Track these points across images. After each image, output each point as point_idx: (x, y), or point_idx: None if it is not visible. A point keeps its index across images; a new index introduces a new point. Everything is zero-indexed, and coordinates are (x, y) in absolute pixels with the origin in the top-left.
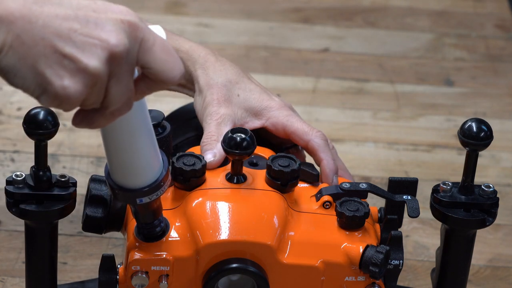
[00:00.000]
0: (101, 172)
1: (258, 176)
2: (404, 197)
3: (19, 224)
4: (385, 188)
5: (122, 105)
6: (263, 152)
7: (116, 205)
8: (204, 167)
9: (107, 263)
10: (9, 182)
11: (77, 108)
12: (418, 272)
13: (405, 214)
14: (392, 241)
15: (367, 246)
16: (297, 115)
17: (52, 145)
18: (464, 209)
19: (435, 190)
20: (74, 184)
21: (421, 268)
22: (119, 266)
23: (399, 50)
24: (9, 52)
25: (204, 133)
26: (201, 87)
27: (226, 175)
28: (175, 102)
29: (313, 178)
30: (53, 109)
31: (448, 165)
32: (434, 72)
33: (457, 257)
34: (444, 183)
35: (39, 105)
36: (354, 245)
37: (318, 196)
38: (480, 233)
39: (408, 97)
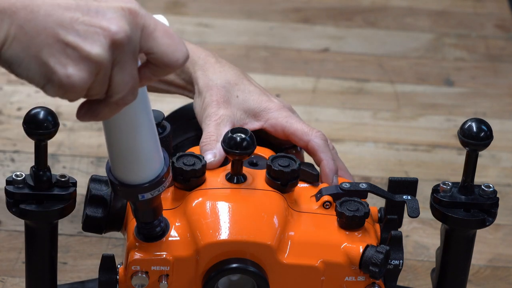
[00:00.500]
0: (101, 172)
1: (258, 176)
2: (404, 197)
3: (19, 224)
4: (385, 188)
5: (126, 94)
6: (263, 152)
7: (116, 205)
8: (204, 167)
9: (107, 263)
10: (9, 182)
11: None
12: (418, 272)
13: (405, 214)
14: (392, 241)
15: (367, 246)
16: (297, 116)
17: (52, 145)
18: (464, 209)
19: (435, 190)
20: (74, 184)
21: (421, 268)
22: (119, 266)
23: (399, 50)
24: (12, 43)
25: (203, 134)
26: (200, 88)
27: (226, 175)
28: (176, 102)
29: (313, 178)
30: (53, 109)
31: (448, 165)
32: (434, 72)
33: (457, 257)
34: (444, 183)
35: (39, 105)
36: (354, 245)
37: (318, 196)
38: (480, 233)
39: (408, 97)
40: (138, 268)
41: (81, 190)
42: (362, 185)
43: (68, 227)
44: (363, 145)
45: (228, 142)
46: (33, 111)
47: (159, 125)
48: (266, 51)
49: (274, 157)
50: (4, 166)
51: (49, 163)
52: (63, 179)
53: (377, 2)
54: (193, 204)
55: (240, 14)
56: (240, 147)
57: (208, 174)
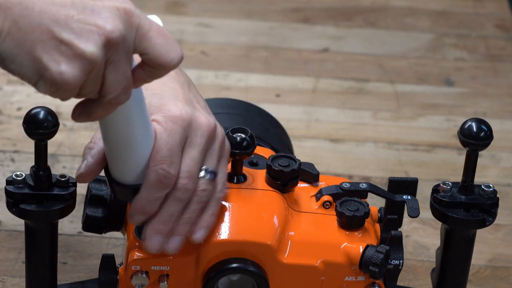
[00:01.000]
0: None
1: (258, 176)
2: (404, 197)
3: (19, 224)
4: (385, 188)
5: (119, 93)
6: (263, 152)
7: (116, 205)
8: None
9: (107, 263)
10: (9, 182)
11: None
12: (418, 272)
13: (405, 214)
14: (392, 241)
15: (367, 246)
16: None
17: (52, 145)
18: (464, 209)
19: (435, 190)
20: (74, 184)
21: (421, 268)
22: (119, 266)
23: (399, 50)
24: (6, 39)
25: None
26: None
27: None
28: None
29: (313, 178)
30: (53, 109)
31: (448, 165)
32: (434, 72)
33: (457, 257)
34: (444, 183)
35: (39, 105)
36: (354, 245)
37: (318, 196)
38: (480, 233)
39: (408, 97)
40: (138, 268)
41: (81, 190)
42: (362, 185)
43: (68, 227)
44: (363, 145)
45: (228, 142)
46: (33, 111)
47: None
48: (266, 51)
49: (274, 157)
50: (4, 166)
51: (49, 163)
52: (63, 179)
53: (377, 2)
54: None
55: (240, 14)
56: (240, 147)
57: None
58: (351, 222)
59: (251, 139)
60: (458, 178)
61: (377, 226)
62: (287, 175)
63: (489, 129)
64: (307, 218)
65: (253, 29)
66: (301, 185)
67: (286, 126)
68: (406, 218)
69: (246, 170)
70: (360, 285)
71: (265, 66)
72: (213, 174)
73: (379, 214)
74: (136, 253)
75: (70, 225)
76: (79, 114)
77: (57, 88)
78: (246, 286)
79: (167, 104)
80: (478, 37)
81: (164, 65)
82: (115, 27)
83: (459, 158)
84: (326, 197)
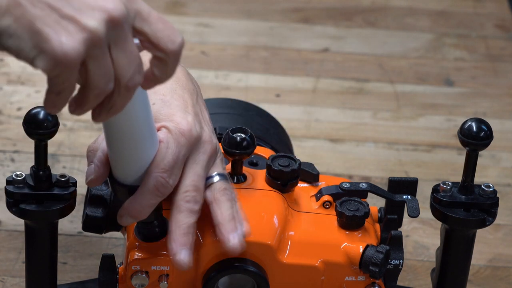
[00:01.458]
0: None
1: (258, 176)
2: (404, 197)
3: (19, 224)
4: (385, 188)
5: (133, 74)
6: (263, 152)
7: (117, 205)
8: None
9: (107, 263)
10: (9, 182)
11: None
12: (418, 272)
13: (405, 214)
14: (392, 240)
15: (367, 246)
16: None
17: (52, 145)
18: (464, 209)
19: (435, 190)
20: (74, 184)
21: (421, 268)
22: (119, 266)
23: (399, 50)
24: (5, 14)
25: None
26: None
27: None
28: None
29: (313, 178)
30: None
31: (448, 165)
32: (434, 72)
33: (457, 257)
34: (444, 183)
35: (39, 105)
36: (354, 245)
37: (318, 196)
38: (480, 233)
39: (408, 97)
40: (138, 268)
41: (81, 190)
42: (362, 185)
43: (68, 227)
44: (363, 145)
45: (228, 142)
46: (33, 111)
47: None
48: (266, 51)
49: (274, 157)
50: (4, 166)
51: (49, 163)
52: (63, 179)
53: (377, 2)
54: None
55: (240, 14)
56: (240, 147)
57: None
58: (351, 222)
59: (251, 139)
60: (458, 178)
61: (377, 226)
62: (287, 175)
63: (489, 129)
64: (307, 218)
65: (253, 29)
66: (301, 185)
67: (286, 126)
68: (406, 218)
69: (246, 170)
70: (360, 285)
71: (265, 66)
72: (225, 176)
73: (379, 214)
74: (136, 253)
75: (70, 225)
76: (99, 112)
77: (56, 62)
78: (246, 286)
79: (176, 115)
80: (478, 37)
81: (166, 49)
82: (117, 6)
83: (459, 158)
84: (326, 197)
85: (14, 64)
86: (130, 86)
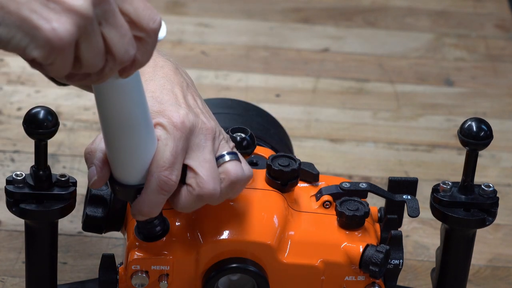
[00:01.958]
0: None
1: (258, 176)
2: (404, 196)
3: (19, 224)
4: (385, 188)
5: (127, 47)
6: (263, 151)
7: (116, 205)
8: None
9: (107, 262)
10: (9, 181)
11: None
12: (418, 272)
13: (405, 214)
14: (392, 240)
15: (367, 246)
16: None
17: (52, 145)
18: (464, 208)
19: (435, 189)
20: (74, 183)
21: (421, 268)
22: (119, 265)
23: (399, 50)
24: None
25: None
26: None
27: None
28: None
29: (313, 177)
30: (53, 109)
31: (448, 165)
32: (434, 72)
33: (457, 257)
34: (444, 183)
35: (39, 105)
36: (354, 245)
37: (318, 195)
38: (480, 233)
39: (408, 97)
40: (138, 268)
41: (81, 190)
42: (362, 185)
43: (68, 227)
44: (363, 145)
45: None
46: (33, 111)
47: None
48: (266, 51)
49: (274, 156)
50: (4, 166)
51: (49, 163)
52: (63, 179)
53: (377, 2)
54: None
55: (240, 14)
56: (240, 147)
57: None
58: (351, 222)
59: (251, 138)
60: (458, 178)
61: (377, 226)
62: (287, 175)
63: (489, 128)
64: (307, 218)
65: (253, 29)
66: (301, 185)
67: (286, 126)
68: (406, 218)
69: None
70: (360, 284)
71: (265, 66)
72: (236, 154)
73: (379, 214)
74: (136, 252)
75: (70, 225)
76: (88, 80)
77: (51, 47)
78: (246, 286)
79: (168, 110)
80: (478, 37)
81: (147, 28)
82: None
83: (459, 158)
84: (326, 197)
85: (14, 64)
86: (125, 60)
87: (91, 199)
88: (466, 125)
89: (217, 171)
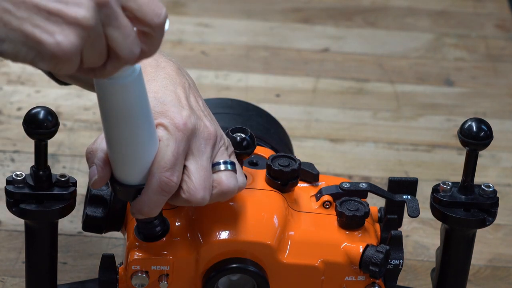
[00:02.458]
0: None
1: (258, 176)
2: (404, 196)
3: (19, 224)
4: (385, 188)
5: (131, 46)
6: (263, 151)
7: (116, 205)
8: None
9: (107, 262)
10: (9, 181)
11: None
12: (418, 272)
13: (405, 214)
14: (392, 240)
15: (367, 246)
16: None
17: (52, 145)
18: (464, 208)
19: (435, 189)
20: (74, 183)
21: (421, 268)
22: (119, 265)
23: (399, 50)
24: None
25: None
26: None
27: None
28: None
29: (313, 178)
30: (53, 109)
31: (448, 165)
32: (434, 72)
33: (457, 257)
34: (444, 183)
35: (39, 105)
36: (354, 245)
37: (318, 196)
38: (480, 233)
39: (408, 97)
40: (138, 268)
41: (81, 190)
42: (362, 185)
43: (68, 227)
44: (363, 145)
45: None
46: (33, 111)
47: None
48: (266, 51)
49: (274, 156)
50: (4, 166)
51: (49, 163)
52: (63, 179)
53: (377, 2)
54: None
55: (240, 14)
56: (240, 147)
57: None
58: (351, 222)
59: (251, 139)
60: (458, 178)
61: (377, 226)
62: (287, 175)
63: (489, 129)
64: (307, 218)
65: (253, 29)
66: (301, 185)
67: (286, 126)
68: (406, 218)
69: (246, 170)
70: (360, 284)
71: (265, 66)
72: (232, 164)
73: (379, 214)
74: (136, 252)
75: (70, 225)
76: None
77: (58, 60)
78: (246, 286)
79: (171, 111)
80: (478, 37)
81: (152, 23)
82: None
83: (459, 158)
84: (326, 197)
85: (14, 64)
86: (130, 59)
87: (91, 199)
88: (466, 125)
89: (210, 180)
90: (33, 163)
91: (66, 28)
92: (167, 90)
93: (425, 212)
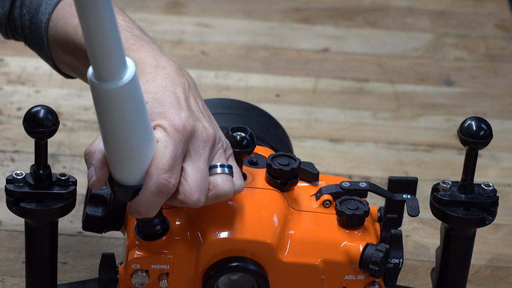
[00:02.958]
0: None
1: (258, 175)
2: (404, 196)
3: (19, 224)
4: (385, 188)
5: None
6: (263, 151)
7: (116, 205)
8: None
9: (107, 261)
10: (9, 180)
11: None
12: (418, 272)
13: (405, 214)
14: (392, 239)
15: (367, 245)
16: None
17: (52, 145)
18: (464, 207)
19: (435, 189)
20: (74, 182)
21: (421, 268)
22: (119, 265)
23: (399, 50)
24: None
25: None
26: None
27: None
28: None
29: (313, 177)
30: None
31: (448, 165)
32: (434, 72)
33: (457, 256)
34: (444, 182)
35: (39, 104)
36: (354, 244)
37: (318, 195)
38: (480, 233)
39: (408, 97)
40: (138, 267)
41: (81, 190)
42: (362, 184)
43: (68, 227)
44: (363, 145)
45: (228, 141)
46: (33, 110)
47: None
48: (266, 51)
49: (274, 156)
50: (4, 166)
51: (49, 163)
52: (63, 178)
53: (377, 2)
54: None
55: (240, 14)
56: (240, 146)
57: None
58: (351, 221)
59: (251, 138)
60: (458, 178)
61: (377, 225)
62: (287, 174)
63: (489, 127)
64: (307, 217)
65: (253, 29)
66: (301, 184)
67: (286, 126)
68: (406, 218)
69: (246, 169)
70: (360, 283)
71: (265, 66)
72: (229, 168)
73: (379, 214)
74: (136, 251)
75: (70, 225)
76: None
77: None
78: (246, 285)
79: (169, 112)
80: (478, 37)
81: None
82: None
83: (459, 158)
84: (326, 196)
85: (14, 64)
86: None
87: (91, 198)
88: (466, 124)
89: (206, 183)
90: (33, 163)
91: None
92: (166, 91)
93: (425, 212)
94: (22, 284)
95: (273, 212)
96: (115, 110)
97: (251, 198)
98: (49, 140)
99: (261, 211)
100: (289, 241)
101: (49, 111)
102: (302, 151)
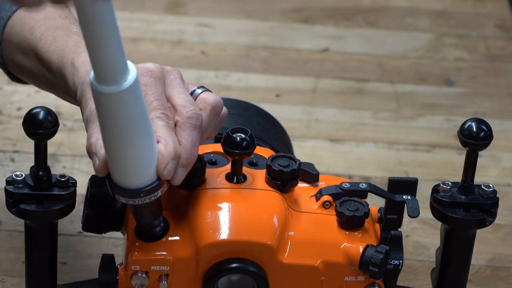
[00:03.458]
0: None
1: (258, 176)
2: (404, 197)
3: (19, 224)
4: (385, 188)
5: None
6: (263, 152)
7: (116, 205)
8: (204, 167)
9: (107, 262)
10: (9, 182)
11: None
12: (418, 272)
13: (405, 214)
14: (392, 241)
15: (367, 246)
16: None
17: (52, 145)
18: (464, 209)
19: (435, 190)
20: (74, 184)
21: (421, 268)
22: (119, 266)
23: (399, 50)
24: None
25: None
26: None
27: (226, 175)
28: None
29: (313, 178)
30: (53, 109)
31: (448, 165)
32: (434, 72)
33: (457, 257)
34: (444, 183)
35: (39, 105)
36: (354, 245)
37: (318, 196)
38: (480, 233)
39: (408, 97)
40: (138, 268)
41: (81, 190)
42: (362, 185)
43: (68, 227)
44: (363, 145)
45: (228, 142)
46: (33, 111)
47: None
48: (266, 51)
49: (274, 157)
50: (4, 166)
51: (49, 163)
52: (63, 179)
53: (377, 2)
54: (193, 204)
55: (240, 14)
56: (240, 147)
57: (208, 174)
58: (351, 222)
59: (251, 139)
60: (458, 178)
61: (377, 226)
62: (287, 175)
63: (489, 129)
64: (307, 218)
65: (253, 29)
66: (301, 185)
67: (286, 126)
68: (406, 218)
69: (246, 170)
70: (360, 285)
71: (265, 66)
72: (205, 87)
73: (379, 214)
74: (136, 253)
75: (70, 225)
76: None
77: None
78: (246, 286)
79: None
80: (478, 37)
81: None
82: None
83: (459, 158)
84: (326, 197)
85: None
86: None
87: (91, 199)
88: (466, 125)
89: (193, 100)
90: (33, 163)
91: None
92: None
93: (425, 212)
94: (22, 284)
95: (273, 213)
96: (117, 114)
97: (251, 199)
98: (49, 140)
99: (261, 212)
100: (289, 242)
101: (49, 113)
102: (302, 151)
